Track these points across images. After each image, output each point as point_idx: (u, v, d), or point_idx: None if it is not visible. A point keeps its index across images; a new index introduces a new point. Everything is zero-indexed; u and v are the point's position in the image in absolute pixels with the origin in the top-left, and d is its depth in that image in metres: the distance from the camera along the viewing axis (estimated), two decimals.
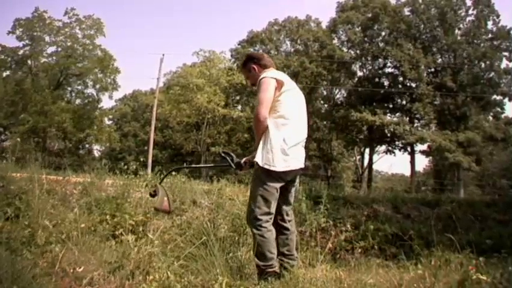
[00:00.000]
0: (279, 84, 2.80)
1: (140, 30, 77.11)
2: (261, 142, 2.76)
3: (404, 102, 29.93)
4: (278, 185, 2.77)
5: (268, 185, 2.73)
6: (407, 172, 34.04)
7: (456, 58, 28.92)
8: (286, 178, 2.81)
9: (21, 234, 3.08)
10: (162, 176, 6.51)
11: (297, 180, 3.03)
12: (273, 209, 2.77)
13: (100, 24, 28.30)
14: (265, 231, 2.69)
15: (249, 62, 3.09)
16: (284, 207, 2.91)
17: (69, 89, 30.81)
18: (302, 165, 2.87)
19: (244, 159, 3.00)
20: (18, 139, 15.09)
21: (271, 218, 2.76)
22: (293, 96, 2.90)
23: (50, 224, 3.30)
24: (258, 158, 2.73)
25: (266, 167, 2.70)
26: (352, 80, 31.96)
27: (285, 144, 2.73)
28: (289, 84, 2.90)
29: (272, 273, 2.65)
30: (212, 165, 15.25)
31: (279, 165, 2.70)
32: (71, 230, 3.24)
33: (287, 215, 2.94)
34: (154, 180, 6.33)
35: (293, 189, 3.01)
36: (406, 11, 30.69)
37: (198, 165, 17.28)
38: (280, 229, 2.85)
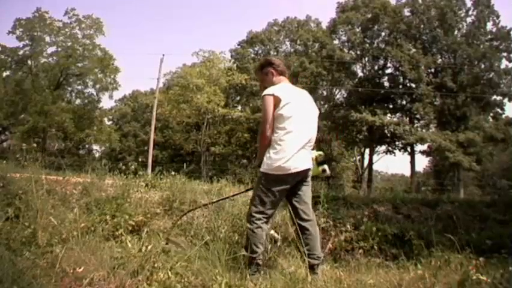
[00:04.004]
0: (276, 100, 2.98)
1: (140, 30, 77.11)
2: (266, 152, 2.98)
3: (404, 102, 29.94)
4: (277, 188, 2.92)
5: (266, 188, 2.95)
6: (407, 172, 34.13)
7: (456, 58, 28.92)
8: (288, 180, 2.94)
9: (21, 234, 3.08)
10: (161, 175, 6.51)
11: (309, 179, 3.09)
12: (268, 211, 2.95)
13: (99, 24, 28.28)
14: (256, 226, 2.91)
15: (268, 66, 3.26)
16: (298, 206, 3.03)
17: (69, 89, 30.74)
18: (305, 167, 2.98)
19: None
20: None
21: (265, 217, 2.95)
22: (292, 108, 3.00)
23: (50, 224, 3.30)
24: (262, 165, 2.97)
25: (264, 171, 2.95)
26: (352, 81, 31.94)
27: (285, 151, 2.89)
28: (288, 97, 3.02)
29: (256, 264, 2.86)
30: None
31: (278, 170, 2.90)
32: (71, 230, 3.24)
33: (304, 213, 3.03)
34: (153, 180, 6.32)
35: (305, 188, 3.07)
36: (406, 12, 30.74)
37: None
38: (300, 229, 2.95)
